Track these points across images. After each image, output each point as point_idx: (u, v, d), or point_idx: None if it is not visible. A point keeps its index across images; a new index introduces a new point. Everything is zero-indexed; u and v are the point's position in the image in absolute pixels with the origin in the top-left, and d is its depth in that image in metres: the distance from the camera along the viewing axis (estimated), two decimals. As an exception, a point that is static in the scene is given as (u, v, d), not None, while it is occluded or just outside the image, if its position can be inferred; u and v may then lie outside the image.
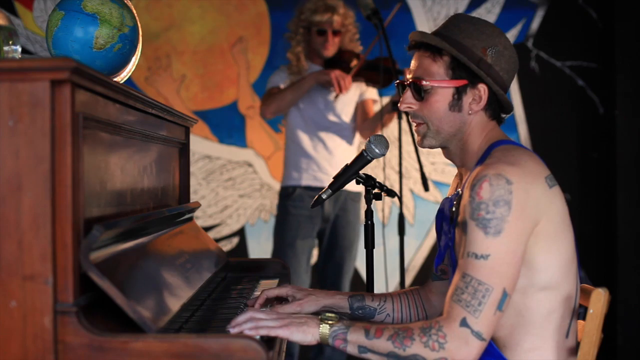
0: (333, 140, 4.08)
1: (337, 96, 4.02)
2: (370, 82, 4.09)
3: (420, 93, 1.91)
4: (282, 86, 4.09)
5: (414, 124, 1.97)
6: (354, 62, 4.04)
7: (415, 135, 1.99)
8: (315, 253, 4.28)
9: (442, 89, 1.89)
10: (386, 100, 4.07)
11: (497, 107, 1.92)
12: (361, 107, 4.14)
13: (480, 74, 1.86)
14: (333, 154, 4.07)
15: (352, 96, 4.13)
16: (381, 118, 4.00)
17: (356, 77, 4.05)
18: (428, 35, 1.90)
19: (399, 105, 1.99)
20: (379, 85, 4.10)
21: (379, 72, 4.04)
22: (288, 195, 4.07)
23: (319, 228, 4.07)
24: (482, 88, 1.88)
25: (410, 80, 1.93)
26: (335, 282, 4.07)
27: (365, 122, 4.10)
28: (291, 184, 4.07)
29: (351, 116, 4.13)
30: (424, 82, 1.89)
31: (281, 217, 4.08)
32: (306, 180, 4.05)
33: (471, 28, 1.90)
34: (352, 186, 4.05)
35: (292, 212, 4.04)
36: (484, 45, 1.88)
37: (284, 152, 4.20)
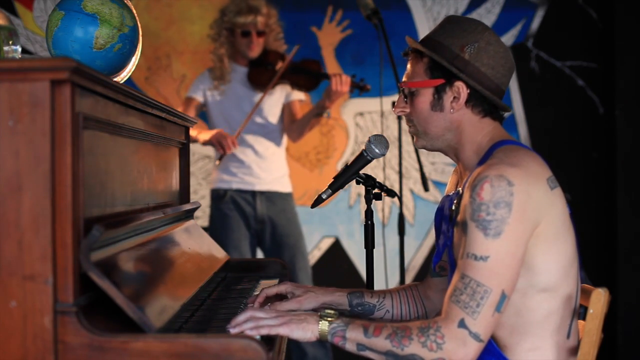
0: (261, 144, 4.07)
1: (221, 157, 3.95)
2: (295, 85, 4.08)
3: (407, 96, 1.96)
4: (199, 98, 4.07)
5: (408, 128, 2.01)
6: (279, 65, 4.02)
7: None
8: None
9: (423, 90, 1.93)
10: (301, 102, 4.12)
11: (487, 105, 1.92)
12: (287, 108, 4.11)
13: (453, 71, 1.88)
14: (263, 157, 4.06)
15: (279, 97, 4.11)
16: (309, 120, 4.00)
17: (281, 80, 4.03)
18: (411, 39, 1.96)
19: (393, 110, 2.03)
20: (304, 89, 4.10)
21: (304, 76, 4.04)
22: (220, 197, 4.06)
23: (254, 229, 4.06)
24: (459, 85, 1.89)
25: (400, 84, 1.99)
26: (293, 282, 4.04)
27: (293, 123, 4.08)
28: (222, 187, 4.06)
29: (278, 118, 4.11)
30: (407, 85, 1.95)
31: (219, 220, 4.06)
32: (237, 184, 4.05)
33: (455, 27, 1.92)
34: (282, 186, 4.09)
35: (230, 214, 4.03)
36: (463, 43, 1.89)
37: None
